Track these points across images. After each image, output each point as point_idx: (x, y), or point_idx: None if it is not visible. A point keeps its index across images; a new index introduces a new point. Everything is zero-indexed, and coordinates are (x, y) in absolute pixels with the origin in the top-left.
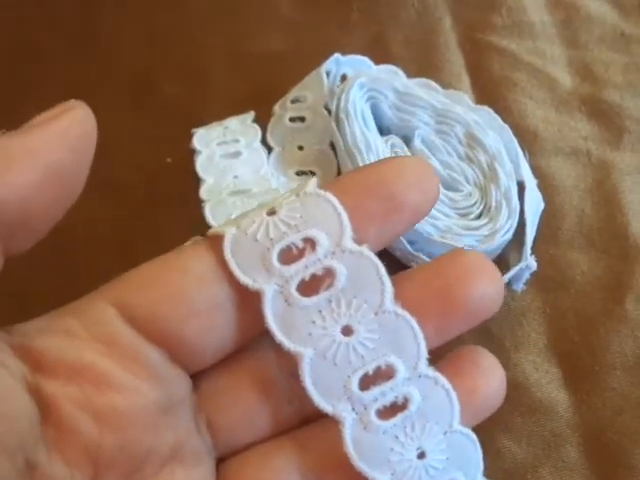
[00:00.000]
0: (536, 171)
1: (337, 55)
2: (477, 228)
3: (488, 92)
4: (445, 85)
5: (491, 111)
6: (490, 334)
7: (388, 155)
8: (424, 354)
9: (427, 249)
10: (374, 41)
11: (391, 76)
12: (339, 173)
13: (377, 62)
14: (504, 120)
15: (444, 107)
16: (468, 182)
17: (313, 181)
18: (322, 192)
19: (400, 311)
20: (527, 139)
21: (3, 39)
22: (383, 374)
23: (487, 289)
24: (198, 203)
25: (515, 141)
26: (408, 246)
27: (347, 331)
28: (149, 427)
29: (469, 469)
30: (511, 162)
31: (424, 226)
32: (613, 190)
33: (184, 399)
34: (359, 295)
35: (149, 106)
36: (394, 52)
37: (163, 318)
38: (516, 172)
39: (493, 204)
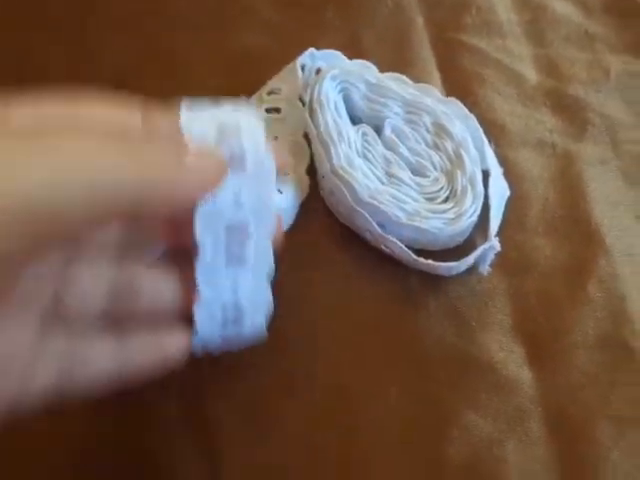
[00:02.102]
0: (503, 162)
1: (312, 49)
2: (443, 211)
3: (458, 87)
4: (417, 81)
5: (458, 102)
6: (457, 315)
7: (359, 143)
8: None
9: (396, 231)
10: (349, 40)
11: (363, 69)
12: (312, 163)
13: (352, 59)
14: (473, 113)
15: (414, 98)
16: (435, 168)
17: None
18: None
19: None
20: (495, 132)
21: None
22: None
23: None
24: None
25: (480, 130)
26: (378, 229)
27: None
28: None
29: None
30: (476, 150)
31: (393, 209)
32: (576, 179)
33: None
34: None
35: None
36: (368, 50)
37: None
38: (481, 160)
39: (459, 189)
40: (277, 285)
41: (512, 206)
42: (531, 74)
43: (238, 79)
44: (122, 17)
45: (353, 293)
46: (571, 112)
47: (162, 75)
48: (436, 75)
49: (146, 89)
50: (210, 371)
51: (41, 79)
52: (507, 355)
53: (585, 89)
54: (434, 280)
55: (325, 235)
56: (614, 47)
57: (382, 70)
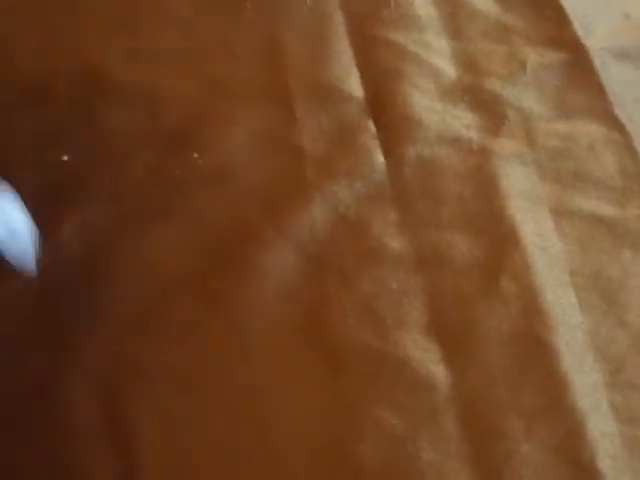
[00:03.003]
0: (420, 158)
1: None
2: None
3: (376, 82)
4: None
5: None
6: (373, 313)
7: None
8: None
9: None
10: (268, 37)
11: None
12: None
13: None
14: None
15: None
16: None
17: None
18: None
19: None
20: (412, 127)
21: None
22: None
23: None
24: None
25: None
26: None
27: None
28: None
29: None
30: None
31: None
32: (492, 175)
33: None
34: None
35: (45, 105)
36: (286, 48)
37: None
38: None
39: None
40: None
41: (427, 203)
42: (449, 69)
43: (153, 80)
44: (31, 16)
45: (270, 294)
46: (488, 107)
47: (76, 77)
48: (354, 71)
49: (60, 92)
50: (131, 372)
51: None
52: (422, 353)
53: (502, 83)
54: (349, 279)
55: None
56: (530, 39)
57: (301, 67)
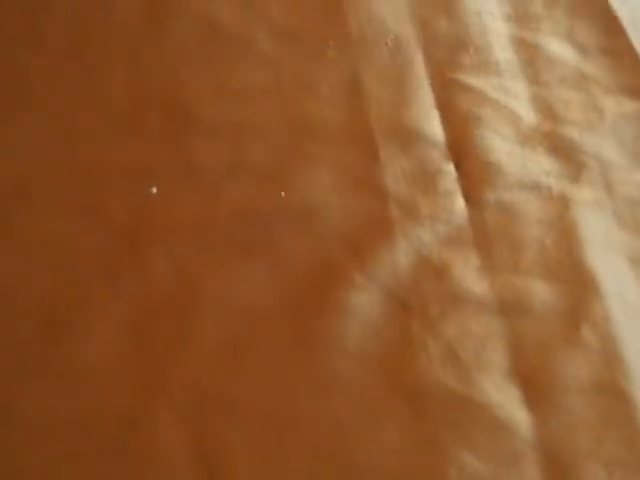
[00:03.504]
0: (500, 204)
1: None
2: None
3: (456, 127)
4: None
5: None
6: (456, 357)
7: None
8: None
9: None
10: (350, 78)
11: None
12: None
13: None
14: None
15: None
16: None
17: None
18: None
19: None
20: (492, 172)
21: None
22: None
23: None
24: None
25: None
26: None
27: None
28: None
29: None
30: None
31: None
32: (572, 223)
33: None
34: None
35: (135, 137)
36: (368, 89)
37: None
38: None
39: None
40: None
41: (507, 248)
42: (528, 114)
43: (238, 115)
44: (121, 48)
45: (355, 335)
46: (567, 154)
47: (163, 111)
48: (435, 115)
49: (147, 124)
50: (219, 405)
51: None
52: (504, 397)
53: (580, 131)
54: (432, 322)
55: None
56: (609, 88)
57: (381, 109)
